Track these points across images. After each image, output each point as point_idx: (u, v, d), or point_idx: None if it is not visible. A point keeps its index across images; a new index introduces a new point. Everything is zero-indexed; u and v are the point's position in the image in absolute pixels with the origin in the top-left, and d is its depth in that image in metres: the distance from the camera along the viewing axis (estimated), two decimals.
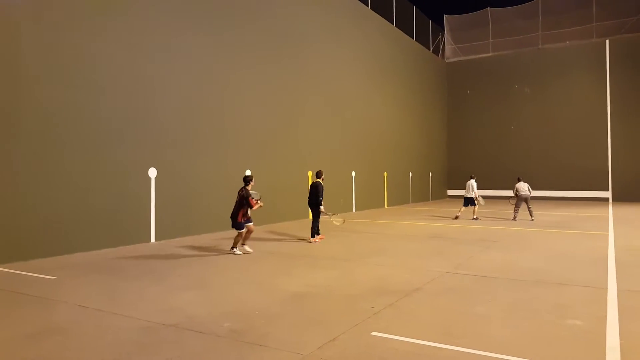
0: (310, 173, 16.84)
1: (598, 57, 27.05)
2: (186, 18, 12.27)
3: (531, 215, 16.21)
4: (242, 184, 9.48)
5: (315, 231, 11.06)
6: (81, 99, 9.72)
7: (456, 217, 16.78)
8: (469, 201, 16.54)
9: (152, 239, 11.09)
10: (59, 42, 9.36)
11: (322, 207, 11.10)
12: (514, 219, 16.19)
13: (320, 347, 4.22)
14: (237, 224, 9.13)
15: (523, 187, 16.22)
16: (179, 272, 7.64)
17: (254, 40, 14.54)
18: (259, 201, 9.15)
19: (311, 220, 11.28)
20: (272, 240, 11.42)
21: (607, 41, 26.84)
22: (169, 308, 5.50)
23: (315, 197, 11.06)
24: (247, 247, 9.51)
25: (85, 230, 9.70)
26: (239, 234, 9.29)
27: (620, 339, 4.36)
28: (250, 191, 9.20)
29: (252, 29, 14.48)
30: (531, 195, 16.39)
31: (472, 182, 16.74)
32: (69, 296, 6.10)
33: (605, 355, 4.01)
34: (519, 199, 16.21)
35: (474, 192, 16.49)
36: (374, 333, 4.57)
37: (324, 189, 11.32)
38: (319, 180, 11.26)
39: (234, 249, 9.34)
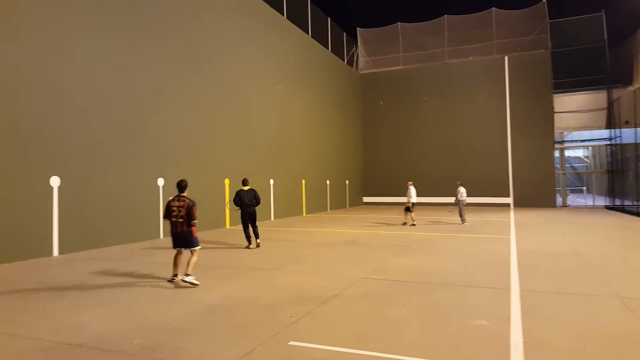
0: (227, 181, 16.47)
1: (498, 72, 29.25)
2: (97, 21, 11.52)
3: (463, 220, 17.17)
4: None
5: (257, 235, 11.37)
6: None
7: (413, 224, 16.72)
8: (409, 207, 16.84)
9: (55, 253, 10.21)
10: None
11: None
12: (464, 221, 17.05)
13: None
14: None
15: (464, 192, 17.32)
16: (85, 287, 7.07)
17: (168, 46, 13.99)
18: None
19: (248, 228, 11.27)
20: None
21: (506, 58, 29.14)
22: (74, 326, 5.08)
23: (256, 202, 11.32)
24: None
25: None
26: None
27: (523, 337, 4.65)
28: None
29: (166, 34, 13.94)
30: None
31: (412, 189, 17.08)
32: None
33: (509, 353, 4.24)
34: (462, 203, 17.16)
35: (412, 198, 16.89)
36: (291, 343, 4.51)
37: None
38: (249, 186, 11.52)
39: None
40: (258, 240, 11.29)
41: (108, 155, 11.77)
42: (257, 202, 11.38)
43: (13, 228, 9.41)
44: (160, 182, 13.36)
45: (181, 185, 7.51)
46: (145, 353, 4.27)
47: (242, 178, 11.95)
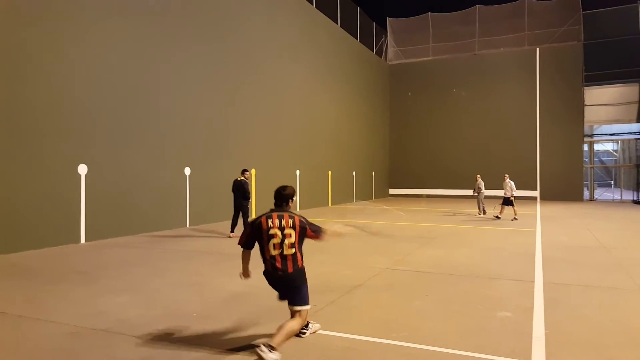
0: (254, 171, 16.64)
1: (529, 64, 28.64)
2: (119, 5, 11.74)
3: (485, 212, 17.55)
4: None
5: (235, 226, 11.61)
6: None
7: (514, 219, 16.07)
8: (507, 201, 16.46)
9: (82, 240, 10.52)
10: None
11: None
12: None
13: None
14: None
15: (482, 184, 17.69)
16: (111, 274, 7.28)
17: (192, 33, 14.15)
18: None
19: (236, 216, 11.67)
20: (212, 238, 11.19)
21: (537, 49, 28.47)
22: (99, 312, 5.22)
23: (245, 194, 11.52)
24: None
25: (4, 231, 8.99)
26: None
27: (545, 329, 4.63)
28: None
29: (191, 20, 14.09)
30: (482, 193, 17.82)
31: (511, 182, 16.61)
32: None
33: (531, 344, 4.23)
34: (481, 195, 17.56)
35: (512, 191, 16.47)
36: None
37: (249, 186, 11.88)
38: (243, 177, 11.70)
39: None
40: (232, 233, 11.49)
41: (135, 144, 12.01)
42: (243, 195, 11.62)
43: (41, 215, 9.69)
44: (187, 171, 13.61)
45: (285, 195, 4.24)
46: (169, 339, 4.39)
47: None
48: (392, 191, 31.89)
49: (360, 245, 10.35)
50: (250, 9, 17.00)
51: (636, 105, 26.86)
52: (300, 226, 4.13)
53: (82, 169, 10.59)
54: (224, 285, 6.48)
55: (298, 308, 4.04)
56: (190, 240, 10.91)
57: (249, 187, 11.74)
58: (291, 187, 4.34)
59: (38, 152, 9.67)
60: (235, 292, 6.11)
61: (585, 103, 27.54)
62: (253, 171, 16.66)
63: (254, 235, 4.12)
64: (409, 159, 31.25)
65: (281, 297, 4.20)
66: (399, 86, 31.92)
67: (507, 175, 17.17)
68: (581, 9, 27.69)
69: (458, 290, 6.27)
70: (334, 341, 4.30)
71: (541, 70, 28.33)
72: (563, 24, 28.21)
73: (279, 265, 4.03)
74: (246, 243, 4.19)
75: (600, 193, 30.78)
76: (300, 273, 4.14)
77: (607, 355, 4.01)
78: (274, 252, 4.03)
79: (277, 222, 4.06)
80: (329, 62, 23.20)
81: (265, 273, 4.13)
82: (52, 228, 9.89)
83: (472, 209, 19.83)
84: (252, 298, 5.82)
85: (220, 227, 13.37)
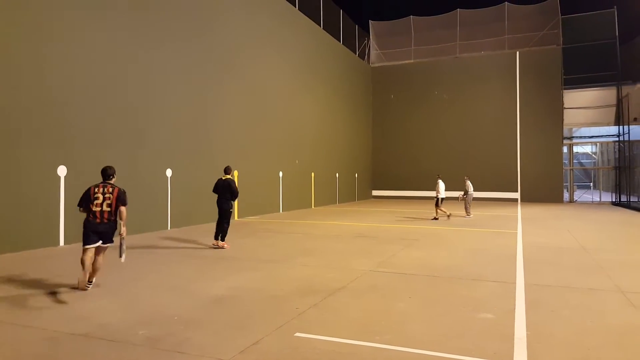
0: (236, 173, 16.53)
1: (509, 67, 29.07)
2: (103, 6, 11.56)
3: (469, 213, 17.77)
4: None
5: (225, 234, 10.04)
6: None
7: (435, 218, 16.87)
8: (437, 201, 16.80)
9: (61, 243, 10.31)
10: None
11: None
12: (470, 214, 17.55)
13: (242, 351, 4.11)
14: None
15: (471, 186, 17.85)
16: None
17: (176, 34, 14.02)
18: None
19: (220, 223, 10.00)
20: (193, 240, 11.06)
21: (517, 53, 28.93)
22: (78, 316, 5.12)
23: (232, 195, 9.89)
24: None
25: None
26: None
27: (527, 330, 4.67)
28: None
29: (171, 20, 13.96)
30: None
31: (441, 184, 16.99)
32: None
33: (513, 345, 4.26)
34: (469, 197, 17.67)
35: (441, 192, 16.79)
36: (297, 334, 4.54)
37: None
38: (228, 176, 10.09)
39: None
40: (219, 242, 9.93)
41: (116, 145, 11.83)
42: (232, 195, 9.88)
43: (20, 217, 9.48)
44: (169, 172, 13.45)
45: (108, 173, 6.51)
46: (150, 343, 4.30)
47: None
48: (375, 192, 32.01)
49: (344, 247, 10.35)
50: (233, 10, 16.91)
51: (614, 108, 27.44)
52: (117, 194, 6.30)
53: (62, 171, 10.39)
54: (205, 289, 6.41)
55: (107, 245, 6.30)
56: (171, 243, 10.77)
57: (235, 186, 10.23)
58: (112, 167, 6.60)
59: (16, 154, 9.46)
60: (216, 295, 6.05)
61: (565, 106, 28.03)
62: (235, 172, 16.54)
63: (86, 198, 6.27)
64: (392, 160, 31.41)
65: (92, 241, 6.15)
66: (382, 88, 32.09)
67: (438, 175, 17.92)
68: (560, 14, 28.21)
69: (441, 292, 6.30)
70: (317, 344, 4.28)
71: (521, 74, 28.78)
72: (542, 28, 28.72)
73: (98, 216, 6.20)
74: (80, 202, 6.33)
75: (579, 195, 31.35)
76: (113, 224, 6.29)
77: (587, 356, 4.06)
78: (96, 209, 6.20)
79: (101, 190, 6.30)
80: (311, 64, 23.19)
81: (87, 222, 6.20)
82: (31, 231, 9.68)
83: (454, 210, 19.98)
84: (234, 301, 5.77)
85: (202, 229, 13.23)
